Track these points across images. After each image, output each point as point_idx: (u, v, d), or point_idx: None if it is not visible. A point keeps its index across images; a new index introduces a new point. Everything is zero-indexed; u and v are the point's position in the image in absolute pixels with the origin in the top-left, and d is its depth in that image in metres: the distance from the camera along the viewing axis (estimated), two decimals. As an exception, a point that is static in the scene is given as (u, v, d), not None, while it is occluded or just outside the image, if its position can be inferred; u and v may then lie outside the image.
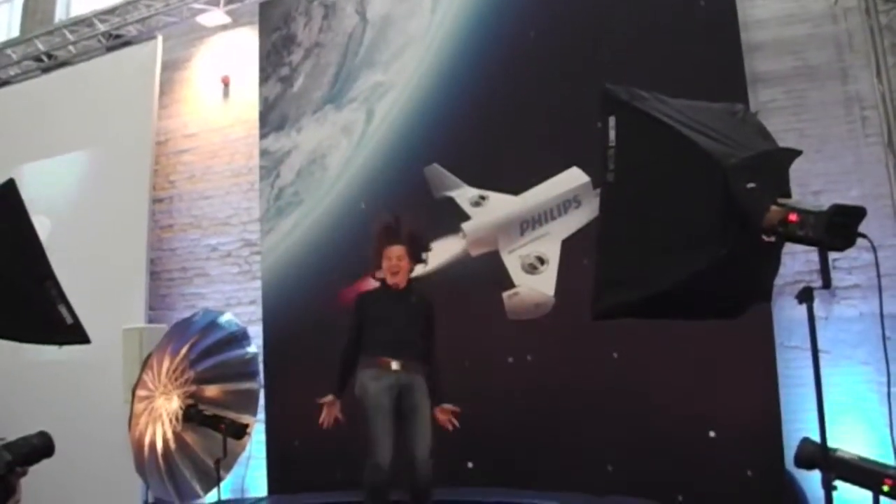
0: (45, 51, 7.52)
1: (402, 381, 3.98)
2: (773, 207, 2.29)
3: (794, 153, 2.57)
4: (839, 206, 2.24)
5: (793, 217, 2.24)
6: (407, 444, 3.91)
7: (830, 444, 3.53)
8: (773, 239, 2.33)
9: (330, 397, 4.08)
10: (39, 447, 2.22)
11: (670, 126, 2.45)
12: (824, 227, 2.20)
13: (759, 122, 2.74)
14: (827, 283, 2.31)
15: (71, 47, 7.41)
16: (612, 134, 2.58)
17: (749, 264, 2.46)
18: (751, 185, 2.29)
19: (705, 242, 2.39)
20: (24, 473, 2.06)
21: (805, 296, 2.34)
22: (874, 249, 2.29)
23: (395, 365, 3.99)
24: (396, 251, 4.13)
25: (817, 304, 4.75)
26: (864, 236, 2.25)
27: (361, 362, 4.06)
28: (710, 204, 2.38)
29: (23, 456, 2.10)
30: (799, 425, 4.59)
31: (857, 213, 2.27)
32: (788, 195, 2.46)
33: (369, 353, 4.05)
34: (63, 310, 3.51)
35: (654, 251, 2.51)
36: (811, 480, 4.42)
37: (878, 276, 2.24)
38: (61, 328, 3.51)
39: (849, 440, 3.95)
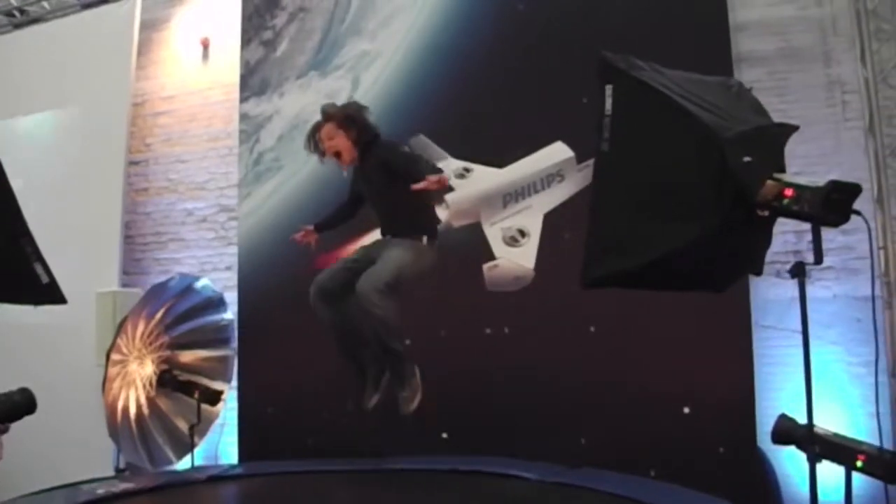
0: (18, 6, 7.29)
1: (387, 241, 4.00)
2: (769, 182, 2.30)
3: (791, 129, 2.58)
4: (836, 183, 2.26)
5: (788, 192, 2.26)
6: None
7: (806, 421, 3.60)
8: (766, 213, 2.34)
9: (309, 227, 4.31)
10: (21, 404, 2.17)
11: (668, 96, 2.45)
12: (821, 202, 2.21)
13: (754, 98, 2.75)
14: (819, 259, 2.33)
15: (45, 3, 7.20)
16: (608, 102, 2.57)
17: (741, 237, 2.47)
18: (747, 158, 2.30)
19: (699, 213, 2.40)
20: (5, 430, 2.01)
21: (797, 270, 2.36)
22: (868, 227, 2.31)
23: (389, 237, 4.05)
24: (327, 131, 4.02)
25: (792, 285, 4.83)
26: (858, 213, 2.27)
27: None
28: (704, 175, 2.38)
29: (4, 412, 2.05)
30: (770, 403, 4.66)
31: (853, 190, 2.29)
32: (783, 170, 2.47)
33: None
34: (39, 268, 3.45)
35: (648, 220, 2.52)
36: (781, 457, 4.53)
37: (872, 254, 2.26)
38: (37, 287, 3.45)
39: (819, 418, 4.04)
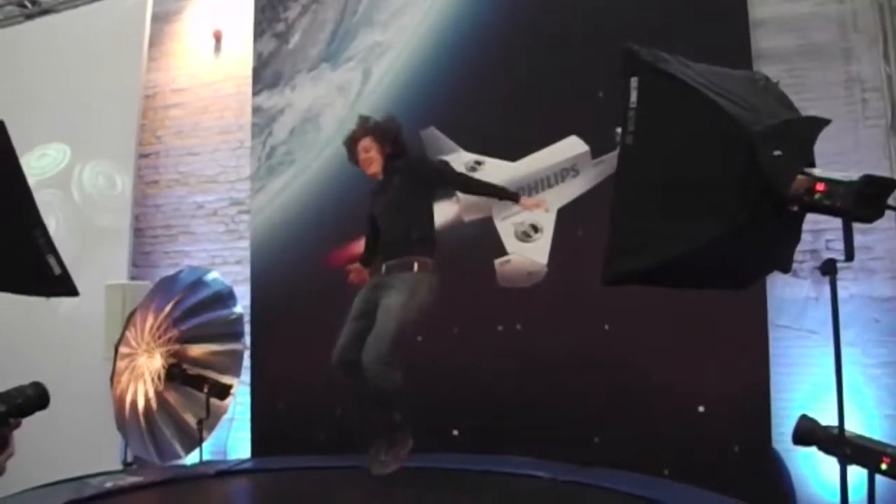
0: (29, -3, 7.30)
1: (382, 281, 4.11)
2: (800, 177, 2.25)
3: (822, 123, 2.52)
4: (870, 177, 2.20)
5: (820, 187, 2.20)
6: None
7: (823, 422, 3.55)
8: (796, 209, 2.28)
9: (356, 265, 4.53)
10: (34, 398, 2.08)
11: (695, 89, 2.39)
12: (854, 197, 2.16)
13: (781, 92, 2.69)
14: (850, 256, 2.26)
15: (56, -7, 7.19)
16: (633, 95, 2.52)
17: (769, 233, 2.41)
18: (777, 153, 2.24)
19: (725, 209, 2.35)
20: (18, 425, 1.93)
21: (828, 268, 2.30)
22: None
23: (384, 268, 4.16)
24: (363, 143, 4.31)
25: (808, 285, 4.77)
26: (893, 209, 2.21)
27: None
28: (732, 170, 2.33)
29: (17, 407, 1.97)
30: (785, 403, 4.62)
31: (888, 185, 2.23)
32: (813, 165, 2.41)
33: None
34: (51, 260, 3.43)
35: (672, 216, 2.46)
36: (795, 458, 4.48)
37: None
38: (49, 279, 3.43)
39: (833, 419, 4.00)
